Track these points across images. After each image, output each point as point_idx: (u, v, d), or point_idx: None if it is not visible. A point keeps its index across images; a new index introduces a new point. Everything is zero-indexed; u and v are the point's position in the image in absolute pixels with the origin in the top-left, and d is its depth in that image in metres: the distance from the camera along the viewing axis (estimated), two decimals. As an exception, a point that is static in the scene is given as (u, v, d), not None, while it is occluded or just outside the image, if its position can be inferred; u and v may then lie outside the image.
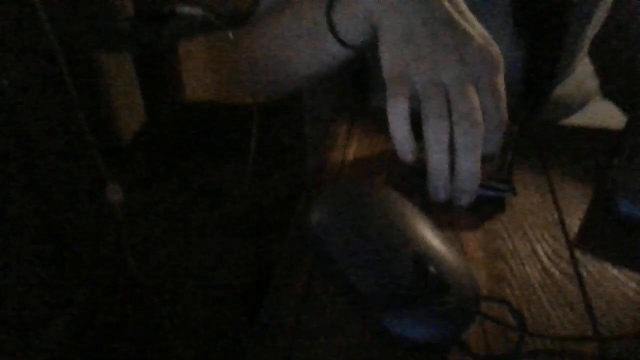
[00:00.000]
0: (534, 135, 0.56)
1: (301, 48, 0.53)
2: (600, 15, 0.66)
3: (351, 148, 0.54)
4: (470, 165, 0.42)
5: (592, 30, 0.67)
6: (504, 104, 0.43)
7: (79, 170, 1.13)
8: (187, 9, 0.90)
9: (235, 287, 1.26)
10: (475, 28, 0.44)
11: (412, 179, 0.46)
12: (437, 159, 0.42)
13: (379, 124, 0.57)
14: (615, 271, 0.40)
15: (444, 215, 0.44)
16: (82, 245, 1.24)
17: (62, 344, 1.16)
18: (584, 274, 0.39)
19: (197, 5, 0.91)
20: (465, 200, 0.44)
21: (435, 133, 0.41)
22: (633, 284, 0.38)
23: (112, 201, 0.93)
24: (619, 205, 0.44)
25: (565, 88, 0.70)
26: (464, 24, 0.43)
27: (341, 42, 0.49)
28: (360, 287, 0.35)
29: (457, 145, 0.41)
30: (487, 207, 0.46)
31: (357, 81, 0.77)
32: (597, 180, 0.49)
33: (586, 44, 0.70)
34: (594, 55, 0.74)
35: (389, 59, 0.44)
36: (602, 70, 0.75)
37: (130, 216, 0.99)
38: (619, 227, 0.44)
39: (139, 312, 1.21)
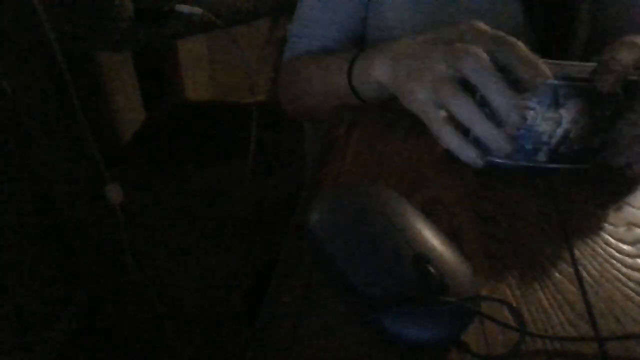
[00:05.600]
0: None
1: (328, 100, 0.65)
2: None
3: (351, 148, 0.54)
4: (502, 99, 0.42)
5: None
6: (516, 49, 0.43)
7: (79, 170, 1.13)
8: (187, 8, 0.89)
9: (235, 287, 1.26)
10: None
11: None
12: (480, 129, 0.44)
13: (379, 124, 0.57)
14: (615, 271, 0.40)
15: (444, 216, 0.44)
16: (82, 245, 1.24)
17: (62, 344, 1.16)
18: (584, 274, 0.39)
19: (197, 4, 0.91)
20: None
21: (462, 108, 0.44)
22: (633, 284, 0.38)
23: (112, 201, 0.93)
24: None
25: None
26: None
27: (361, 99, 0.60)
28: (360, 287, 0.35)
29: (484, 94, 0.43)
30: (489, 205, 0.46)
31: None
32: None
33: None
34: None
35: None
36: None
37: (130, 216, 0.99)
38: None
39: (139, 312, 1.21)
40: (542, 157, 0.48)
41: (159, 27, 0.90)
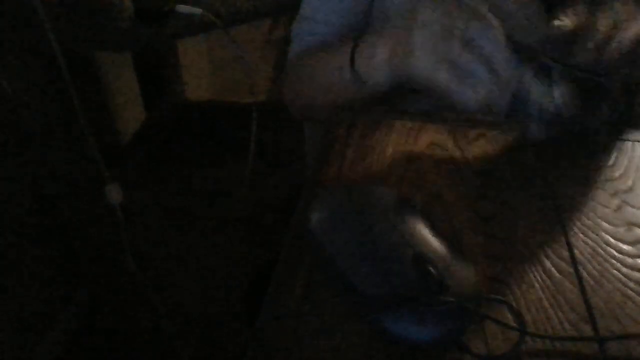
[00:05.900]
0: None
1: (331, 93, 0.64)
2: None
3: (351, 148, 0.54)
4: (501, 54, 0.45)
5: None
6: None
7: (79, 170, 1.13)
8: (187, 9, 0.89)
9: (235, 287, 1.25)
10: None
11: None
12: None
13: (379, 124, 0.57)
14: (615, 271, 0.40)
15: (444, 216, 0.44)
16: (82, 245, 1.24)
17: (62, 344, 1.16)
18: (584, 274, 0.39)
19: (197, 4, 0.91)
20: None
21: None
22: (633, 284, 0.38)
23: (112, 201, 0.93)
24: None
25: None
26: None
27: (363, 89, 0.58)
28: (360, 287, 0.35)
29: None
30: (489, 205, 0.46)
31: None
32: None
33: None
34: None
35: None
36: None
37: (130, 216, 0.99)
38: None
39: (139, 312, 1.21)
40: (534, 130, 0.49)
41: (159, 27, 0.90)
